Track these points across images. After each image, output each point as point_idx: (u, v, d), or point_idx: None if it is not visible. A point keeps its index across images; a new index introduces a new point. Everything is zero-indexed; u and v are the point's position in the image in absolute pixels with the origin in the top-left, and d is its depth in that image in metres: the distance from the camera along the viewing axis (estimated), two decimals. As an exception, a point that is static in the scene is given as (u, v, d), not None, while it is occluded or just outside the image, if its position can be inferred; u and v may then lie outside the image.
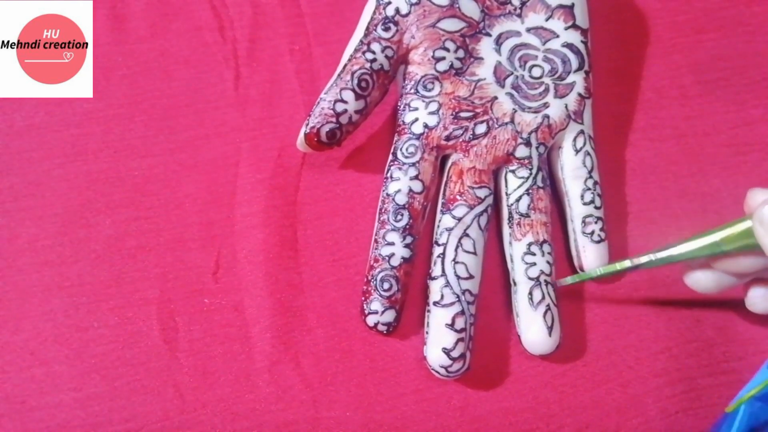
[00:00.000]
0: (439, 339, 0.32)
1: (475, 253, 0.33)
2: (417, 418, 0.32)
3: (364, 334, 0.33)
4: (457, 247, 0.33)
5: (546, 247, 0.34)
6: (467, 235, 0.33)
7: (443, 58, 0.35)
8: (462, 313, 0.32)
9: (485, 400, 0.33)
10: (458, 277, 0.32)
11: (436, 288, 0.33)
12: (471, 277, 0.33)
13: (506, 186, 0.35)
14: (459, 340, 0.31)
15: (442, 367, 0.31)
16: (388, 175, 0.34)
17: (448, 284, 0.32)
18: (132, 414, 0.31)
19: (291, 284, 0.34)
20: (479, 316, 0.33)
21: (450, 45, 0.35)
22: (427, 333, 0.32)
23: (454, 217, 0.33)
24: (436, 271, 0.33)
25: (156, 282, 0.34)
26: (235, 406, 0.32)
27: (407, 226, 0.33)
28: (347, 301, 0.34)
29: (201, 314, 0.33)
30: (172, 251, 0.34)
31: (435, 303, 0.32)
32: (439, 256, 0.33)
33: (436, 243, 0.33)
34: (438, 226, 0.34)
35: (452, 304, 0.32)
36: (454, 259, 0.33)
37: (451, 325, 0.32)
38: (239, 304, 0.34)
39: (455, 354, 0.31)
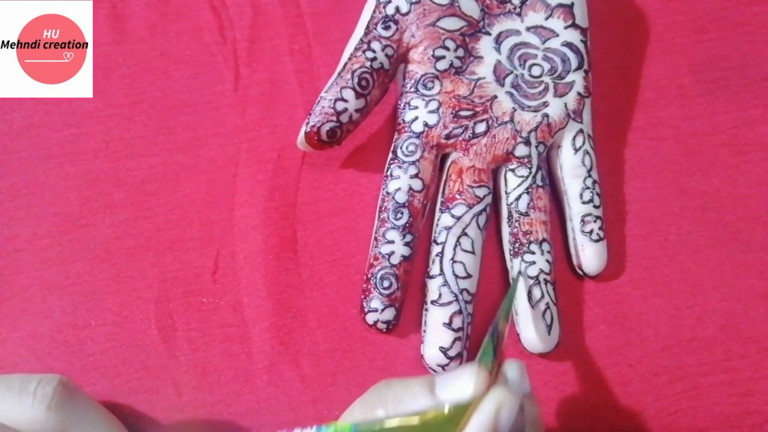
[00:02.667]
0: (437, 338, 0.32)
1: (473, 252, 0.33)
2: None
3: (364, 334, 0.33)
4: (455, 246, 0.33)
5: (545, 246, 0.34)
6: (466, 234, 0.33)
7: (443, 57, 0.35)
8: (459, 312, 0.32)
9: (484, 399, 0.33)
10: (456, 276, 0.32)
11: (434, 287, 0.32)
12: (469, 276, 0.33)
13: (506, 185, 0.35)
14: (456, 339, 0.31)
15: (439, 365, 0.31)
16: (388, 173, 0.34)
17: (446, 283, 0.32)
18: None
19: (291, 284, 0.34)
20: (477, 314, 0.33)
21: (450, 44, 0.35)
22: (424, 331, 0.32)
23: (453, 215, 0.33)
24: (435, 269, 0.33)
25: (154, 281, 0.34)
26: (235, 406, 0.32)
27: (407, 225, 0.33)
28: (347, 301, 0.34)
29: (200, 314, 0.33)
30: (171, 251, 0.34)
31: (433, 302, 0.32)
32: (437, 255, 0.33)
33: (435, 242, 0.33)
34: (437, 225, 0.34)
35: (450, 303, 0.32)
36: (452, 258, 0.33)
37: (449, 324, 0.32)
38: (238, 304, 0.33)
39: (452, 353, 0.31)
